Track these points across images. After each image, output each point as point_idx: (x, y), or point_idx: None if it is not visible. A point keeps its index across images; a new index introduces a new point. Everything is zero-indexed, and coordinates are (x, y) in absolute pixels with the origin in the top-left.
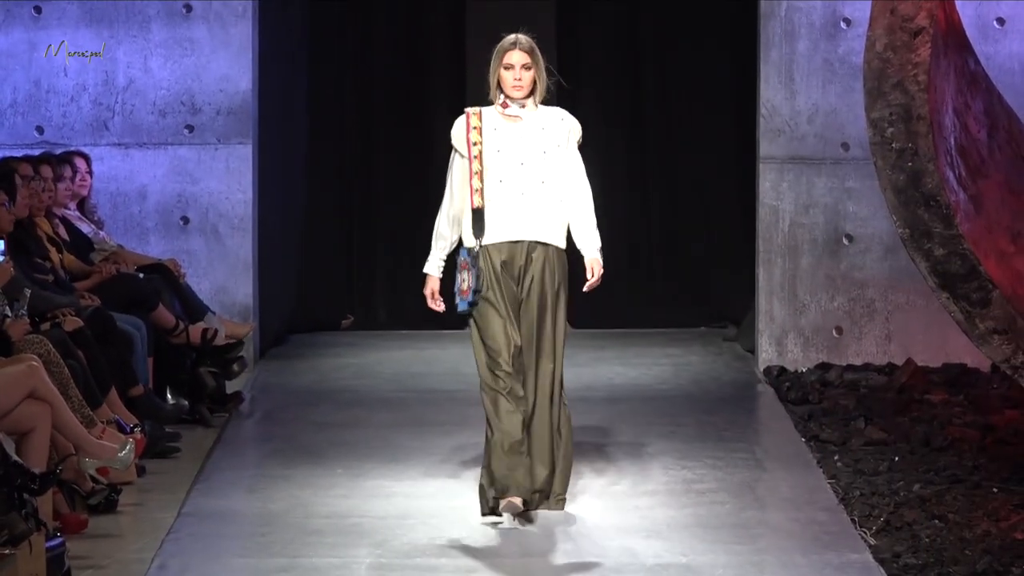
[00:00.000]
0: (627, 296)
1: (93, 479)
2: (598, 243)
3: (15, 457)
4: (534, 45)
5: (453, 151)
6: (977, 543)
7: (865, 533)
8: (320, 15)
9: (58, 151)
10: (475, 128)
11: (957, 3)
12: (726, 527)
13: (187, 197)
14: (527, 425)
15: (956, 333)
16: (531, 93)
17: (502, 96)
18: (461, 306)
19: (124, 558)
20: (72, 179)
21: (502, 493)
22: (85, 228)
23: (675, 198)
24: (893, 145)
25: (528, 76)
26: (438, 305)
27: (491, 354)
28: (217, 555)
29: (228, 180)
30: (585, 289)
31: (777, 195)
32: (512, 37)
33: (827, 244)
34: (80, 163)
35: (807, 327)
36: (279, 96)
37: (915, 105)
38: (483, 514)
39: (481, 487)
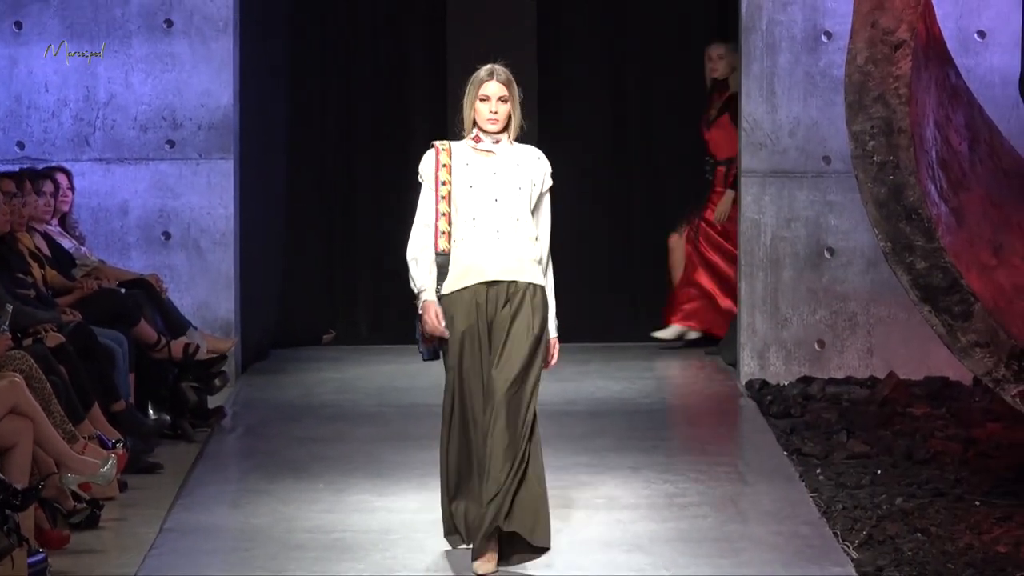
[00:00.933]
0: (610, 310)
1: (75, 498)
2: (554, 318)
3: None
4: (511, 78)
5: (422, 188)
6: (959, 556)
7: (848, 547)
8: (301, 31)
9: (39, 167)
10: (444, 166)
11: (938, 16)
12: (708, 541)
13: (168, 212)
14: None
15: (938, 346)
16: (505, 128)
17: (475, 130)
18: (425, 355)
19: (106, 573)
20: (53, 195)
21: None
22: (67, 243)
23: (657, 211)
24: (875, 158)
25: (504, 109)
26: (443, 331)
27: (463, 412)
28: (200, 570)
29: (210, 195)
30: (547, 367)
31: (759, 209)
32: (488, 67)
33: (809, 257)
34: (61, 178)
35: (789, 340)
36: (260, 111)
37: (896, 118)
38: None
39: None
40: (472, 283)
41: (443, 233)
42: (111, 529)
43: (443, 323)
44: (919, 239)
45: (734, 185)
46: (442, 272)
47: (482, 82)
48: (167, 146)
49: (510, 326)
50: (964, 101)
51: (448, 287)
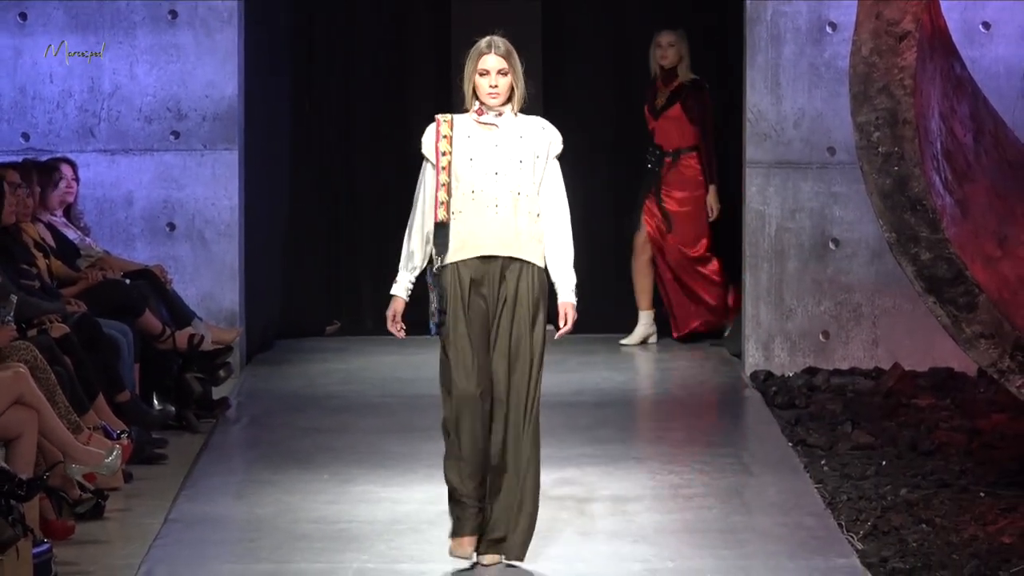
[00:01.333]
0: (614, 301)
1: (80, 487)
2: (573, 279)
3: (2, 463)
4: (511, 49)
5: (424, 161)
6: (964, 547)
7: (852, 537)
8: (306, 23)
9: (44, 158)
10: (445, 137)
11: (943, 7)
12: (713, 532)
13: (173, 203)
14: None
15: (943, 337)
16: (508, 100)
17: (477, 103)
18: (432, 330)
19: (111, 564)
20: (58, 186)
21: (455, 526)
22: (71, 234)
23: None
24: (879, 149)
25: (505, 82)
26: (399, 331)
27: (456, 389)
28: (204, 561)
29: (214, 186)
30: (556, 338)
31: (763, 200)
32: (487, 40)
33: (814, 249)
34: (66, 169)
35: (794, 331)
36: (265, 102)
37: (901, 109)
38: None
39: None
40: (468, 256)
41: (442, 203)
42: (116, 519)
43: (399, 326)
44: (924, 230)
45: (713, 177)
46: (441, 244)
47: (481, 55)
48: (172, 137)
49: (510, 314)
50: (969, 92)
51: (444, 260)
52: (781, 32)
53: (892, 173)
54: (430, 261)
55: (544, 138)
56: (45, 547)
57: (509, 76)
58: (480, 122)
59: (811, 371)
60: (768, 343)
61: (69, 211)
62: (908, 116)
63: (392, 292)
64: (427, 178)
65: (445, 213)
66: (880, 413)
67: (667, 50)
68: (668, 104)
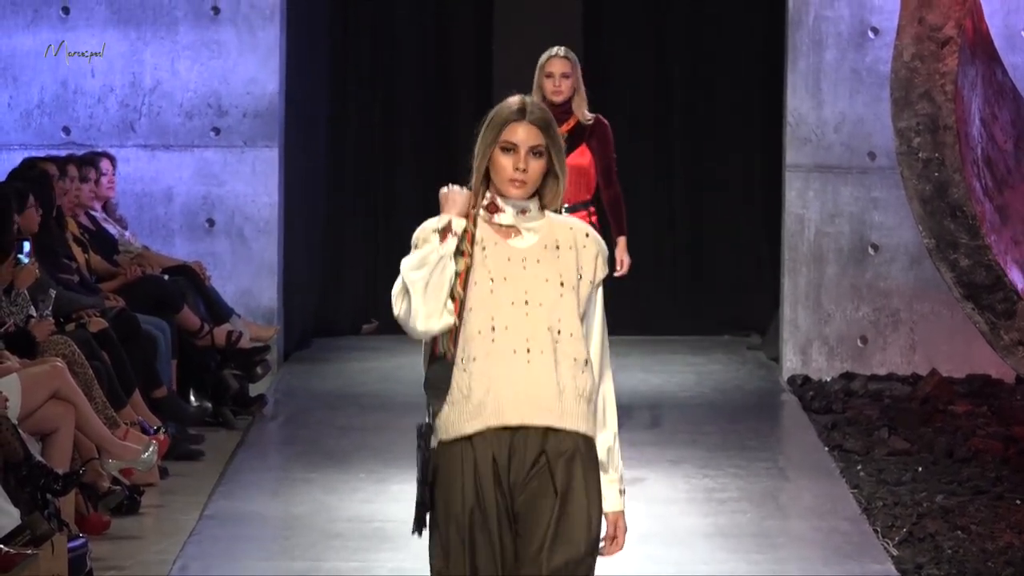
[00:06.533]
0: (651, 303)
1: (116, 483)
2: (619, 468)
3: (38, 458)
4: (551, 119)
5: (415, 244)
6: (999, 555)
7: (888, 544)
8: (347, 20)
9: (84, 152)
10: (465, 231)
11: (985, 13)
12: (748, 536)
13: (213, 199)
14: None
15: (981, 344)
16: (536, 192)
17: (489, 195)
18: (415, 529)
19: (146, 560)
20: (97, 180)
21: None
22: (111, 229)
23: (699, 205)
24: (920, 155)
25: (537, 165)
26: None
27: None
28: (239, 558)
29: (254, 183)
30: (603, 555)
31: (803, 204)
32: (518, 99)
33: (852, 253)
34: (105, 164)
35: (832, 336)
36: (305, 99)
37: (942, 115)
38: None
39: None
40: (484, 428)
41: (448, 330)
42: (151, 515)
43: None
44: (963, 236)
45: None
46: (437, 398)
47: (507, 122)
48: (212, 133)
49: (554, 505)
50: (1010, 98)
51: (446, 430)
52: (823, 37)
53: (932, 179)
54: (420, 433)
55: (590, 251)
56: (80, 542)
57: (544, 157)
58: (494, 223)
59: (848, 376)
60: (806, 347)
61: (107, 206)
62: (949, 122)
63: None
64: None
65: (450, 346)
66: (917, 419)
67: (560, 82)
68: (570, 149)
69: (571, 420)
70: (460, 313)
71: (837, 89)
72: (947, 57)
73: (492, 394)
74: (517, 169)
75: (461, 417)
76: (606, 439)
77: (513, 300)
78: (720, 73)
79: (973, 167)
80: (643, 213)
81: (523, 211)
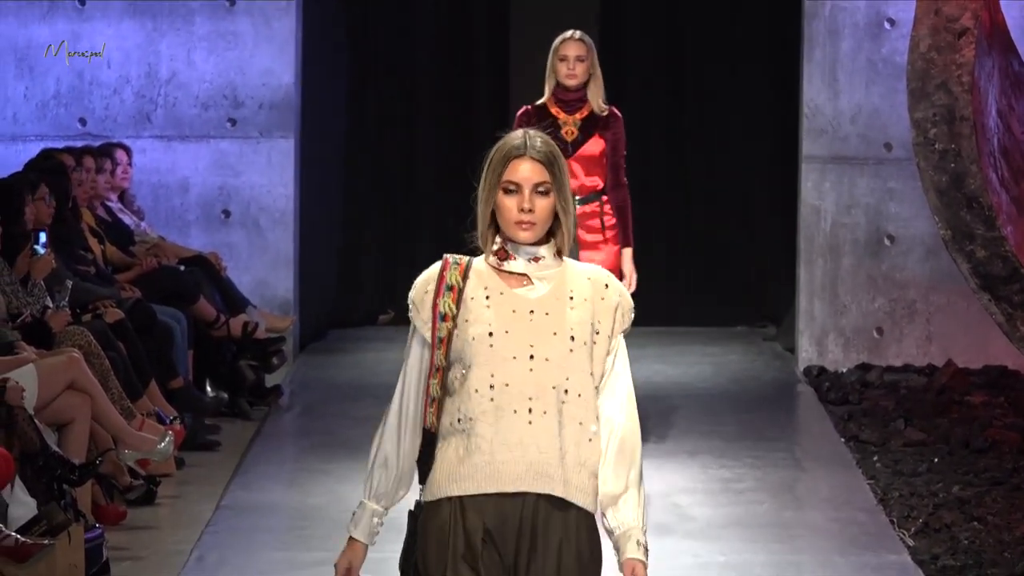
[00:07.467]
0: (667, 294)
1: (132, 474)
2: (642, 522)
3: (55, 448)
4: (555, 151)
5: (412, 327)
6: (1016, 545)
7: (904, 534)
8: (363, 10)
9: (100, 143)
10: (451, 289)
11: (1002, 4)
12: (764, 527)
13: (229, 190)
14: None
15: (997, 335)
16: (550, 235)
17: (499, 240)
18: None
19: (162, 550)
20: (113, 171)
21: None
22: (127, 220)
23: (715, 196)
24: (936, 146)
25: (544, 205)
26: None
27: None
28: (255, 548)
29: (270, 174)
30: None
31: (819, 195)
32: (520, 134)
33: (868, 244)
34: (121, 155)
35: (848, 327)
36: (321, 90)
37: (958, 106)
38: None
39: None
40: (477, 492)
41: (432, 401)
42: (167, 506)
43: None
44: (979, 227)
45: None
46: (424, 463)
47: (509, 160)
48: (228, 124)
49: None
50: None
51: (434, 491)
52: (839, 27)
53: (948, 170)
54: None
55: (609, 303)
56: (97, 532)
57: (552, 195)
58: (505, 271)
59: (864, 367)
60: (822, 339)
61: (123, 196)
62: (965, 113)
63: (350, 533)
64: (412, 357)
65: (434, 420)
66: (933, 410)
67: (575, 65)
68: (584, 137)
69: (573, 491)
70: (443, 384)
71: (853, 80)
72: (964, 48)
73: (487, 458)
74: (522, 210)
75: (451, 477)
76: (632, 496)
77: (515, 355)
78: (736, 63)
79: (989, 158)
80: (659, 203)
81: (536, 259)
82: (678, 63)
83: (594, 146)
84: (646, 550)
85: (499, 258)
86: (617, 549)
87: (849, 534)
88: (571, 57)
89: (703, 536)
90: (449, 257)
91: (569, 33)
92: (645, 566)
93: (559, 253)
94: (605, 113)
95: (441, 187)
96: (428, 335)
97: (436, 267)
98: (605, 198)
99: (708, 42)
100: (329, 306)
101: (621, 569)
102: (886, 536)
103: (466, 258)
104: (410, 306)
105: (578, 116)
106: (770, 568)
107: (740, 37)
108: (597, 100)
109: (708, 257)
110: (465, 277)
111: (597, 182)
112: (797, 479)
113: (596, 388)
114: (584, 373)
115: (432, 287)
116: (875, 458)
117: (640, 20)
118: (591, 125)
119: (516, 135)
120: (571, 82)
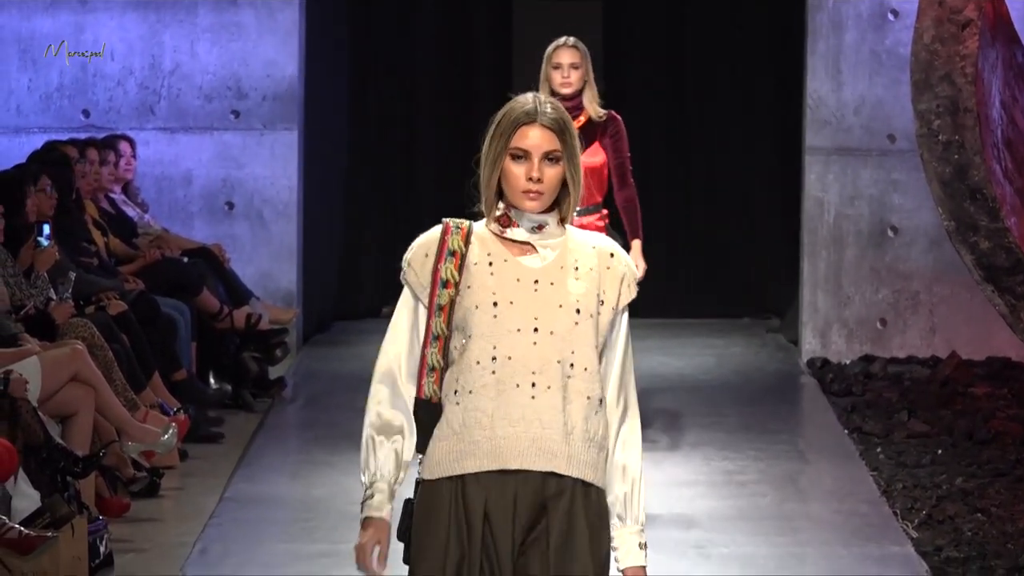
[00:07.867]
0: (670, 286)
1: (135, 466)
2: (641, 518)
3: (58, 440)
4: (567, 119)
5: (406, 290)
6: (1019, 537)
7: (907, 526)
8: (363, 8)
9: (103, 135)
10: (453, 254)
11: None
12: (767, 518)
13: (232, 182)
14: None
15: (1000, 326)
16: (555, 203)
17: (502, 206)
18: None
19: (166, 542)
20: (116, 163)
21: None
22: (130, 212)
23: (718, 187)
24: (940, 137)
25: (553, 173)
26: (382, 568)
27: None
28: (259, 540)
29: (273, 166)
30: None
31: (822, 186)
32: (531, 97)
33: (872, 236)
34: (124, 147)
35: (851, 319)
36: (325, 82)
37: (962, 98)
38: None
39: None
40: (479, 470)
41: (432, 370)
42: (170, 498)
43: (383, 569)
44: (983, 219)
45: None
46: (423, 438)
47: (519, 125)
48: (232, 116)
49: (539, 559)
50: None
51: (433, 470)
52: (843, 19)
53: (952, 161)
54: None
55: (614, 272)
56: (100, 524)
57: (560, 164)
58: (508, 239)
59: (868, 359)
60: (825, 330)
61: (127, 188)
62: (969, 104)
63: (363, 512)
64: (402, 320)
65: (435, 390)
66: (936, 402)
67: (569, 72)
68: (582, 148)
69: (578, 467)
70: (445, 353)
71: (857, 71)
72: (967, 39)
73: (488, 433)
74: (530, 179)
75: (450, 455)
76: (624, 487)
77: (519, 327)
78: (740, 55)
79: (993, 149)
80: (662, 195)
81: (539, 227)
82: (679, 58)
83: (594, 157)
84: (646, 552)
85: (501, 224)
86: (617, 548)
87: (852, 526)
88: (565, 64)
89: (706, 528)
90: (450, 221)
91: (562, 40)
92: (645, 570)
93: (562, 221)
94: (603, 118)
95: (441, 187)
96: (426, 300)
97: (436, 231)
98: (604, 211)
99: (710, 36)
100: (332, 298)
101: (621, 570)
102: (889, 528)
103: (466, 222)
104: (405, 268)
105: (575, 125)
106: (773, 560)
107: (742, 30)
108: (593, 106)
109: (711, 249)
110: (467, 243)
111: (596, 195)
112: (800, 471)
113: (600, 361)
114: (589, 346)
115: (433, 251)
116: (878, 450)
117: (642, 15)
118: (590, 133)
119: (526, 98)
120: (566, 90)
